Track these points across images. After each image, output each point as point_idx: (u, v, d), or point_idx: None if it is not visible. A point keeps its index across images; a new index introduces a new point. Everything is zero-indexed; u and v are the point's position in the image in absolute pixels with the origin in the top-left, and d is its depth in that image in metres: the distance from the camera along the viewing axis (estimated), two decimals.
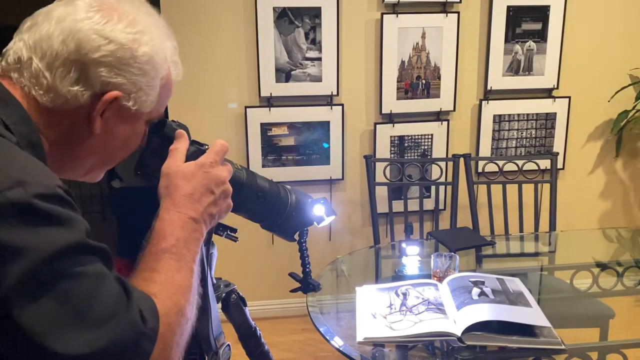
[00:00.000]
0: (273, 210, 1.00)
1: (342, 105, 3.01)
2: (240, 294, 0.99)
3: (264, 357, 1.08)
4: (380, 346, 1.48)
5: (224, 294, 1.04)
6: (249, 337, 0.99)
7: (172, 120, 0.92)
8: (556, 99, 3.19)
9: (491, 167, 2.75)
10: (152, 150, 0.88)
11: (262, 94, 2.94)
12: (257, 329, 1.07)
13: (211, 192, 0.84)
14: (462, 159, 2.75)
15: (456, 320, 1.47)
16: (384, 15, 2.93)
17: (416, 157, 3.12)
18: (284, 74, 2.93)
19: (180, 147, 0.86)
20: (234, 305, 1.01)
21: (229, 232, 0.99)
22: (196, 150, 0.89)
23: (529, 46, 3.10)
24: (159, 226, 0.79)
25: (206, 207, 0.83)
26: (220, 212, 0.87)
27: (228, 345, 0.89)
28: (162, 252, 0.76)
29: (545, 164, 2.83)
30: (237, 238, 0.97)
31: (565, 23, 3.09)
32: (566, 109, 3.20)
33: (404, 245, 2.03)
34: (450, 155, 3.07)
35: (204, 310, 0.84)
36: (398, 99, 3.04)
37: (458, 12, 2.99)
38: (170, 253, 0.76)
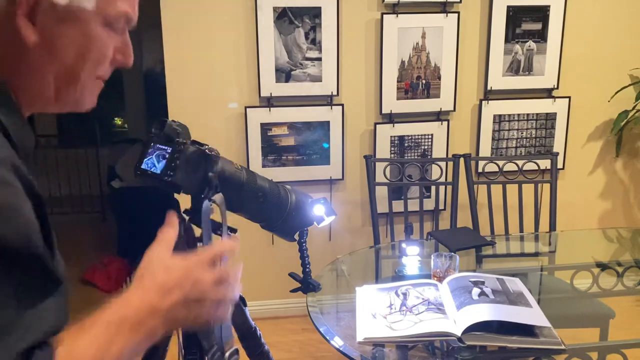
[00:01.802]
0: (273, 210, 1.01)
1: (342, 105, 3.01)
2: (240, 293, 0.99)
3: (264, 357, 1.08)
4: (380, 346, 1.48)
5: None
6: (249, 337, 0.99)
7: (173, 120, 0.91)
8: (556, 99, 3.19)
9: (491, 167, 2.75)
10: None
11: (262, 94, 2.94)
12: (257, 329, 1.06)
13: (184, 292, 0.75)
14: (462, 159, 2.75)
15: (456, 320, 1.47)
16: (384, 15, 2.93)
17: (416, 157, 3.12)
18: (284, 74, 2.93)
19: (168, 236, 0.80)
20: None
21: (228, 232, 0.97)
22: (196, 151, 0.88)
23: (529, 46, 3.10)
24: (117, 297, 0.72)
25: (173, 303, 0.73)
26: (189, 318, 0.76)
27: (236, 349, 0.88)
28: (102, 321, 0.68)
29: (545, 164, 2.83)
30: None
31: (565, 23, 3.09)
32: (566, 109, 3.20)
33: (404, 245, 2.03)
34: (450, 155, 3.07)
35: None
36: (398, 99, 3.04)
37: (458, 12, 2.99)
38: (108, 327, 0.67)
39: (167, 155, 0.88)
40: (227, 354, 0.86)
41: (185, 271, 0.76)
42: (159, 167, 0.88)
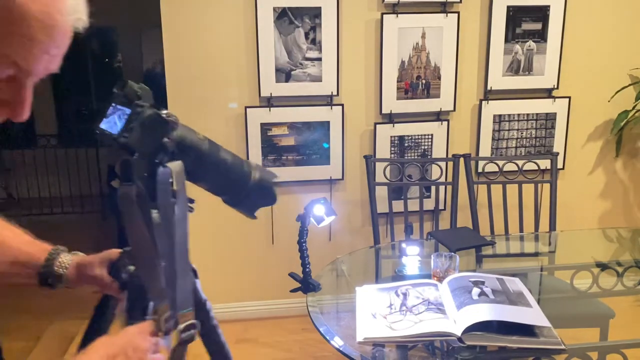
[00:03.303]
0: (234, 185, 0.98)
1: (342, 105, 3.01)
2: (193, 265, 0.97)
3: (211, 331, 1.06)
4: (380, 346, 1.48)
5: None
6: (198, 310, 0.97)
7: (135, 83, 0.88)
8: (556, 99, 3.19)
9: (491, 167, 2.75)
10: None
11: (262, 94, 2.94)
12: (208, 302, 1.05)
13: (126, 355, 0.81)
14: (462, 159, 2.75)
15: (456, 320, 1.47)
16: (384, 15, 2.93)
17: (416, 157, 3.12)
18: (284, 74, 2.93)
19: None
20: None
21: (188, 204, 0.93)
22: (153, 114, 0.86)
23: (529, 46, 3.10)
24: None
25: None
26: None
27: (193, 324, 0.86)
28: None
29: (545, 164, 2.83)
30: (192, 209, 0.92)
31: (565, 23, 3.09)
32: (566, 109, 3.20)
33: (404, 245, 2.03)
34: (450, 155, 3.07)
35: (154, 271, 0.83)
36: (398, 99, 3.04)
37: (458, 12, 2.99)
38: None
39: (125, 117, 0.86)
40: (181, 325, 0.84)
41: (128, 339, 0.82)
42: (115, 127, 0.86)
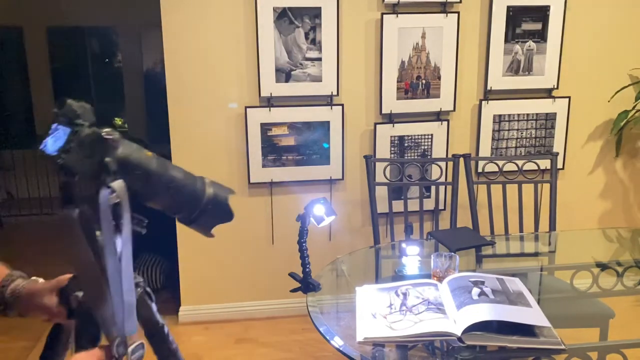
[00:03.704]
0: (187, 202, 0.95)
1: (342, 105, 3.01)
2: (147, 288, 0.96)
3: (172, 355, 1.03)
4: (380, 346, 1.48)
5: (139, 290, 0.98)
6: (156, 334, 0.95)
7: (75, 101, 0.86)
8: (556, 99, 3.19)
9: (491, 167, 2.75)
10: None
11: (262, 94, 2.94)
12: (165, 325, 1.03)
13: None
14: (462, 159, 2.75)
15: (456, 320, 1.47)
16: (384, 15, 2.93)
17: (416, 157, 3.12)
18: (284, 74, 2.93)
19: None
20: (138, 299, 0.97)
21: (133, 222, 0.91)
22: (91, 134, 0.84)
23: (529, 46, 3.10)
24: None
25: None
26: None
27: (141, 343, 0.85)
28: None
29: (545, 164, 2.84)
30: (143, 230, 0.91)
31: (565, 23, 3.09)
32: (566, 109, 3.21)
33: (404, 245, 2.03)
34: (450, 155, 3.07)
35: (102, 296, 0.80)
36: (398, 99, 3.04)
37: (458, 12, 2.99)
38: None
39: (65, 137, 0.83)
40: (130, 348, 0.82)
41: None
42: (53, 148, 0.83)
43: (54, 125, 0.85)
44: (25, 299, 1.01)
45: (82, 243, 0.81)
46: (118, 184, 0.83)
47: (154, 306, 1.00)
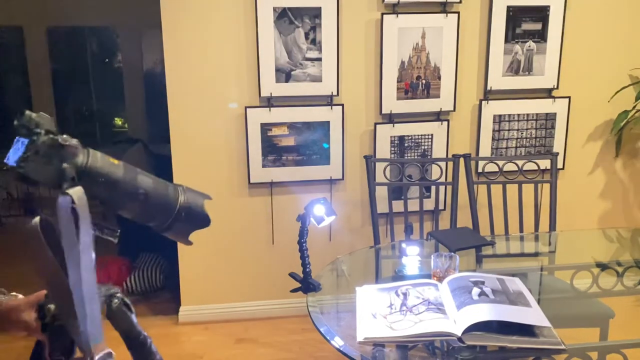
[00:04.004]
0: (159, 210, 0.93)
1: (342, 105, 3.01)
2: (125, 299, 0.94)
3: None
4: (380, 346, 1.48)
5: (104, 299, 0.96)
6: (138, 346, 0.93)
7: (34, 112, 0.85)
8: (556, 99, 3.19)
9: (491, 167, 2.75)
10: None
11: (262, 94, 2.94)
12: (148, 337, 1.00)
13: None
14: (462, 159, 2.75)
15: (456, 320, 1.47)
16: (384, 15, 2.93)
17: (416, 157, 3.12)
18: (284, 74, 2.93)
19: None
20: (116, 311, 0.95)
21: (105, 232, 0.90)
22: (48, 140, 0.83)
23: (529, 46, 3.10)
24: None
25: None
26: None
27: (109, 352, 0.83)
28: None
29: (545, 164, 2.84)
30: (115, 239, 0.89)
31: (565, 23, 3.09)
32: (566, 109, 3.21)
33: (404, 245, 2.03)
34: (450, 155, 3.07)
35: (72, 307, 0.79)
36: (398, 99, 3.04)
37: (458, 12, 2.99)
38: None
39: (23, 147, 0.83)
40: (96, 357, 0.80)
41: None
42: (13, 159, 0.82)
43: (16, 138, 0.84)
44: (4, 315, 1.00)
45: (46, 253, 0.79)
46: (75, 191, 0.80)
47: (133, 317, 0.98)
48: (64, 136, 0.83)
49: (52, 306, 0.91)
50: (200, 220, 0.96)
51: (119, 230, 0.89)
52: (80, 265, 0.78)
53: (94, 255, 0.81)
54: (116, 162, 0.89)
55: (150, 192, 0.91)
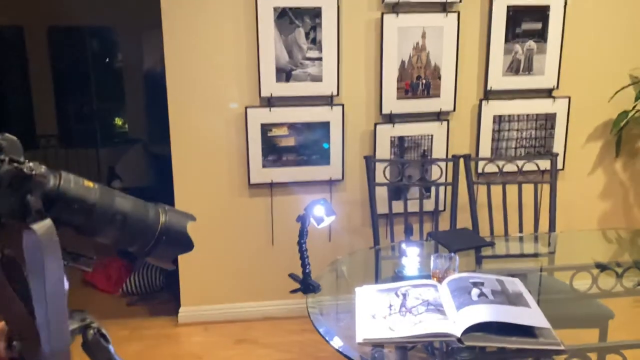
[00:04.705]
0: (139, 234, 0.88)
1: (342, 105, 3.01)
2: (102, 329, 0.90)
3: None
4: (379, 347, 1.48)
5: (78, 329, 0.91)
6: None
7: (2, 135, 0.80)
8: (556, 99, 3.19)
9: (491, 168, 2.75)
10: None
11: (262, 94, 2.94)
12: None
13: None
14: (462, 160, 2.75)
15: (456, 321, 1.47)
16: (384, 15, 2.93)
17: (416, 157, 3.12)
18: (284, 74, 2.93)
19: None
20: (92, 342, 0.92)
21: (80, 260, 0.86)
22: (10, 170, 0.77)
23: (529, 46, 3.10)
24: None
25: None
26: None
27: None
28: None
29: (545, 164, 2.83)
30: (90, 268, 0.85)
31: (565, 23, 3.09)
32: (566, 109, 3.20)
33: (403, 246, 2.03)
34: (450, 156, 3.07)
35: (37, 347, 0.75)
36: (398, 99, 3.04)
37: (458, 12, 2.99)
38: None
39: None
40: None
41: None
42: None
43: None
44: None
45: (8, 292, 0.76)
46: (41, 226, 0.75)
47: (111, 348, 0.93)
48: (30, 164, 0.77)
49: (17, 344, 0.86)
50: (183, 243, 0.91)
51: (94, 258, 0.85)
52: (47, 300, 0.74)
53: (66, 286, 0.77)
54: (92, 184, 0.84)
55: (129, 215, 0.86)
